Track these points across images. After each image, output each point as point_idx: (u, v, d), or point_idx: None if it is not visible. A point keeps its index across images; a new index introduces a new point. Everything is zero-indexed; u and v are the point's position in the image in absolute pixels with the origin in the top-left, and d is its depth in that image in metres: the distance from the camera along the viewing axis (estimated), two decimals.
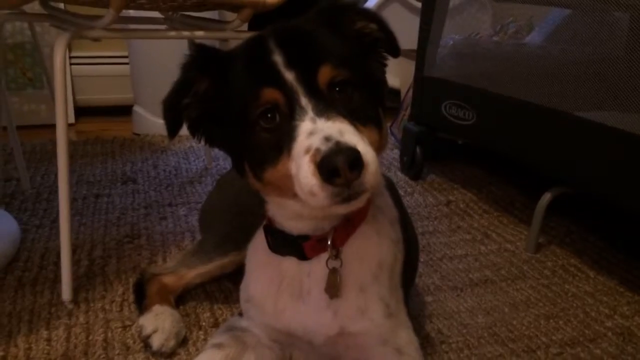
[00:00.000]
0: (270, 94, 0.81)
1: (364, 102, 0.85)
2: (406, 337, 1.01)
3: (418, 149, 2.21)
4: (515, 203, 2.01)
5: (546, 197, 1.65)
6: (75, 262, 1.47)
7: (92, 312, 1.32)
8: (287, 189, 0.82)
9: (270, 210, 0.98)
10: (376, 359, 0.99)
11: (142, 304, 1.29)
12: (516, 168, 2.24)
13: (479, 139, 2.01)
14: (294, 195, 0.80)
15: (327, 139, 0.75)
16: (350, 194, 0.76)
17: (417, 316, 1.34)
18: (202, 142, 0.95)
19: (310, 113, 0.79)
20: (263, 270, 1.04)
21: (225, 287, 1.43)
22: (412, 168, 2.24)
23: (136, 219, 1.82)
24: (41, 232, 1.70)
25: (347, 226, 0.96)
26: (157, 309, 1.24)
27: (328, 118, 0.78)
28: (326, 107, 0.80)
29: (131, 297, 1.37)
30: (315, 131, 0.77)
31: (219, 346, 1.05)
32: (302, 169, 0.76)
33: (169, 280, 1.34)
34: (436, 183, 2.21)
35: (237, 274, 1.28)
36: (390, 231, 1.02)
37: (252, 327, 1.09)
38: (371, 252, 0.99)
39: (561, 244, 1.72)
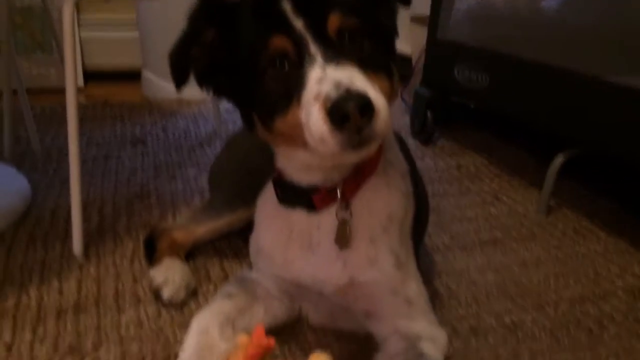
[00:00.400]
0: (279, 42, 0.80)
1: (374, 50, 0.83)
2: (416, 289, 1.00)
3: (429, 114, 2.19)
4: (527, 167, 1.99)
5: (559, 159, 1.63)
6: (85, 219, 1.48)
7: (103, 266, 1.33)
8: (297, 138, 0.81)
9: (280, 162, 0.97)
10: (385, 310, 1.00)
11: (152, 258, 1.30)
12: (527, 133, 2.22)
13: (492, 103, 1.98)
14: (304, 145, 0.80)
15: (337, 85, 0.74)
16: (361, 141, 0.75)
17: (425, 274, 1.32)
18: (210, 93, 0.94)
19: (320, 60, 0.77)
20: (272, 222, 1.03)
21: (235, 243, 1.43)
22: (423, 133, 2.22)
23: (146, 180, 1.82)
24: (51, 190, 1.70)
25: (357, 178, 0.95)
26: (167, 261, 1.25)
27: (338, 65, 0.76)
28: (336, 54, 0.78)
29: (141, 252, 1.38)
30: (325, 78, 0.75)
31: (229, 296, 1.06)
32: (312, 116, 0.75)
33: (178, 235, 1.34)
34: (447, 147, 2.19)
35: (246, 230, 1.28)
36: (401, 184, 1.02)
37: (262, 279, 1.09)
38: (381, 204, 0.98)
39: (572, 207, 1.71)
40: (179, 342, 1.05)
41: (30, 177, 1.75)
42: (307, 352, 0.81)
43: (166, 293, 1.18)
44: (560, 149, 1.65)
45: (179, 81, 0.92)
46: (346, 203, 0.95)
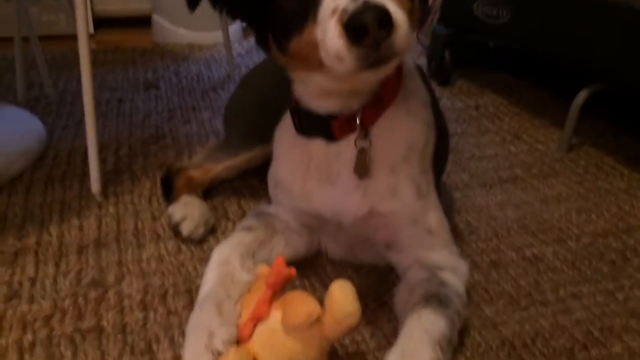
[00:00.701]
0: None
1: None
2: (436, 219, 0.99)
3: (447, 53, 2.13)
4: (547, 106, 1.94)
5: (582, 95, 1.59)
6: (102, 160, 1.47)
7: (122, 205, 1.33)
8: (313, 58, 0.77)
9: (297, 89, 0.95)
10: (406, 240, 0.99)
11: (169, 197, 1.30)
12: (547, 73, 2.16)
13: (513, 39, 1.92)
14: (320, 66, 0.76)
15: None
16: (378, 58, 0.72)
17: (445, 210, 1.32)
18: (224, 14, 0.91)
19: None
20: (291, 152, 1.02)
21: (252, 183, 1.42)
22: (441, 73, 2.17)
23: (160, 122, 1.80)
24: (66, 132, 1.70)
25: (376, 105, 0.92)
26: (186, 198, 1.25)
27: None
28: None
29: (159, 192, 1.37)
30: None
31: (248, 229, 1.05)
32: (329, 31, 0.72)
33: (195, 174, 1.33)
34: (465, 88, 2.14)
35: (263, 169, 1.27)
36: (422, 113, 0.99)
37: (281, 213, 1.08)
38: (401, 132, 0.96)
39: (594, 144, 1.67)
40: (199, 276, 1.05)
41: (45, 121, 1.74)
42: (327, 286, 0.81)
43: (185, 229, 1.18)
44: (582, 87, 1.60)
45: (192, 4, 0.89)
46: (365, 131, 0.93)
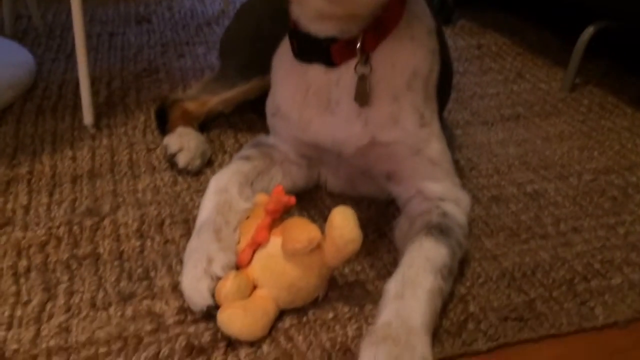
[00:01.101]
0: None
1: None
2: (439, 148, 0.97)
3: None
4: (550, 46, 1.90)
5: (588, 32, 1.54)
6: (94, 93, 1.42)
7: (115, 137, 1.30)
8: None
9: (294, 10, 0.91)
10: (408, 170, 0.97)
11: (164, 129, 1.26)
12: (551, 13, 2.10)
13: None
14: None
15: None
16: None
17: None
18: None
19: None
20: (288, 79, 0.98)
21: (249, 117, 1.39)
22: (442, 12, 2.11)
23: (153, 56, 1.75)
24: (57, 65, 1.64)
25: (378, 30, 0.89)
26: (181, 130, 1.22)
27: None
28: None
29: (153, 125, 1.34)
30: None
31: (246, 158, 1.03)
32: None
33: (191, 106, 1.29)
34: (467, 27, 2.09)
35: (260, 103, 1.23)
36: (427, 39, 0.95)
37: (280, 143, 1.06)
38: (404, 58, 0.92)
39: (598, 84, 1.64)
40: (196, 207, 1.03)
41: (34, 53, 1.68)
42: (326, 218, 0.79)
43: (181, 160, 1.16)
44: (585, 26, 1.55)
45: None
46: (366, 57, 0.89)
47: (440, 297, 0.81)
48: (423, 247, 0.85)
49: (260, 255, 0.82)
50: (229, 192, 0.93)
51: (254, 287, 0.82)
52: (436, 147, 0.96)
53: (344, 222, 0.77)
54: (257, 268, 0.82)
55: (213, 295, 0.79)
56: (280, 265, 0.80)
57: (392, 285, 0.80)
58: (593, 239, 1.02)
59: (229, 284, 0.79)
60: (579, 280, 0.93)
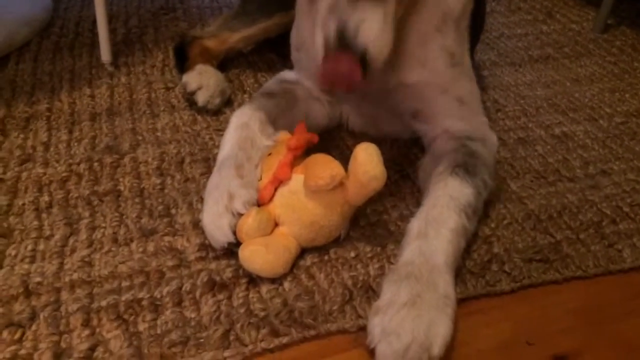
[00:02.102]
0: None
1: None
2: (468, 87, 0.94)
3: None
4: None
5: None
6: (111, 31, 1.39)
7: (134, 75, 1.28)
8: None
9: None
10: (435, 109, 0.94)
11: (183, 67, 1.24)
12: None
13: None
14: None
15: (339, 31, 0.71)
16: None
17: None
18: None
19: None
20: (315, 10, 0.94)
21: (268, 57, 1.36)
22: None
23: None
24: (73, 2, 1.62)
25: None
26: (201, 67, 1.19)
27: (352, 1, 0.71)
28: None
29: (171, 63, 1.32)
30: (334, 16, 0.71)
31: (269, 95, 1.00)
32: (317, 33, 0.75)
33: (210, 43, 1.26)
34: None
35: (281, 41, 1.20)
36: None
37: (303, 80, 1.03)
38: (434, 2, 0.88)
39: (632, 25, 1.57)
40: (216, 146, 1.02)
41: None
42: (347, 158, 0.77)
43: (201, 98, 1.13)
44: None
45: None
46: None
47: (464, 236, 0.79)
48: (447, 186, 0.83)
49: (281, 192, 0.81)
50: (250, 129, 0.91)
51: (276, 225, 0.81)
52: (466, 85, 0.93)
53: (368, 159, 0.75)
54: (278, 205, 0.81)
55: (234, 232, 0.79)
56: (302, 202, 0.79)
57: (416, 224, 0.78)
58: (622, 182, 1.00)
59: (251, 221, 0.78)
60: (607, 223, 0.91)
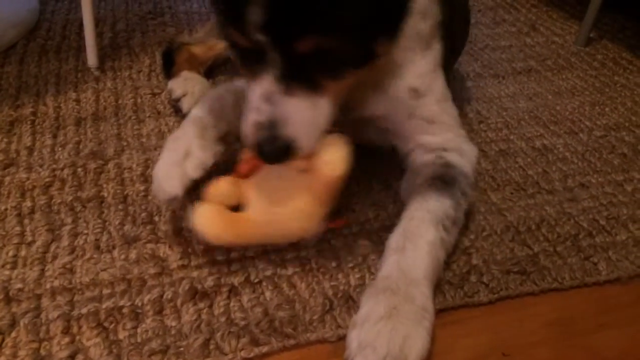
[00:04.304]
0: (237, 38, 0.70)
1: (351, 59, 0.73)
2: (436, 109, 0.91)
3: None
4: None
5: None
6: (98, 35, 1.39)
7: (120, 80, 1.28)
8: None
9: None
10: (405, 130, 0.93)
11: (170, 72, 1.24)
12: None
13: None
14: None
15: (269, 125, 0.70)
16: None
17: (455, 99, 1.28)
18: None
19: (271, 77, 0.69)
20: None
21: None
22: None
23: None
24: (60, 4, 1.61)
25: None
26: (186, 74, 1.20)
27: (288, 94, 0.70)
28: (295, 77, 0.69)
29: (158, 69, 1.32)
30: (263, 108, 0.70)
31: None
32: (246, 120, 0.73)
33: (198, 50, 1.27)
34: None
35: None
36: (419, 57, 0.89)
37: None
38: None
39: (613, 39, 1.60)
40: None
41: None
42: None
43: (185, 105, 1.14)
44: None
45: None
46: None
47: (442, 248, 0.80)
48: (425, 199, 0.84)
49: (259, 174, 0.80)
50: (225, 100, 0.92)
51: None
52: (432, 108, 0.92)
53: (331, 157, 0.75)
54: (251, 184, 0.80)
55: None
56: (273, 182, 0.79)
57: (394, 239, 0.80)
58: (600, 195, 1.02)
59: (220, 185, 0.79)
60: (583, 236, 0.92)
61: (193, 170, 0.80)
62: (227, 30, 0.71)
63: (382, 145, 1.05)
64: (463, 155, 0.92)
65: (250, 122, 0.72)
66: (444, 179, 0.87)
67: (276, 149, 0.71)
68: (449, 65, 1.02)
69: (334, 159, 0.75)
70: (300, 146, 0.71)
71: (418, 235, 0.79)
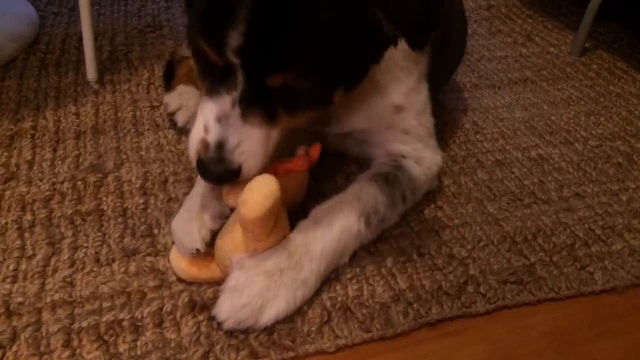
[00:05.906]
0: (208, 52, 0.70)
1: (311, 100, 0.77)
2: (414, 123, 0.96)
3: None
4: (562, 9, 1.86)
5: None
6: (97, 48, 1.41)
7: (119, 93, 1.29)
8: None
9: None
10: (380, 138, 0.98)
11: (169, 85, 1.25)
12: None
13: None
14: None
15: (217, 146, 0.71)
16: None
17: (451, 110, 1.29)
18: None
19: (233, 97, 0.70)
20: None
21: None
22: None
23: (157, 11, 1.72)
24: (60, 18, 1.62)
25: None
26: (182, 88, 1.20)
27: (244, 119, 0.71)
28: (255, 104, 0.71)
29: (157, 82, 1.33)
30: (216, 128, 0.71)
31: None
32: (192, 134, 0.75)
33: None
34: None
35: None
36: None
37: None
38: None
39: (608, 49, 1.61)
40: None
41: (36, 6, 1.66)
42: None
43: (180, 118, 1.15)
44: None
45: None
46: None
47: (356, 239, 0.84)
48: (361, 189, 0.87)
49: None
50: None
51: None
52: (410, 122, 0.96)
53: (250, 197, 0.72)
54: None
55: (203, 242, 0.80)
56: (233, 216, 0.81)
57: (317, 211, 0.83)
58: (595, 205, 1.02)
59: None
60: (579, 246, 0.93)
61: (210, 222, 0.81)
62: (198, 41, 0.71)
63: (359, 157, 1.06)
64: (420, 163, 0.96)
65: (197, 138, 0.73)
66: (386, 177, 0.91)
67: (222, 172, 0.72)
68: (440, 82, 1.04)
69: (253, 199, 0.72)
70: (245, 173, 0.73)
71: (337, 218, 0.82)
